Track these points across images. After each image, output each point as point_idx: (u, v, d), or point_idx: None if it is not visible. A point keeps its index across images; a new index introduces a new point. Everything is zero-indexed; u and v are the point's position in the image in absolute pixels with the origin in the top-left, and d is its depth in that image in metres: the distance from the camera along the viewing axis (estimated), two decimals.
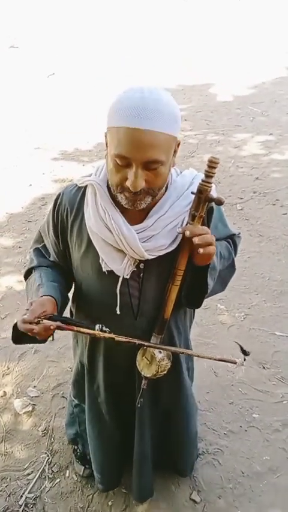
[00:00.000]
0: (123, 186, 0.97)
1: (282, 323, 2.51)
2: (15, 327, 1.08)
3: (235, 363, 1.08)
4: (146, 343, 1.11)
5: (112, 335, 1.06)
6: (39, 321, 1.00)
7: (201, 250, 0.98)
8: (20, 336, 1.11)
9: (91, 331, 1.05)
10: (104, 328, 1.06)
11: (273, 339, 2.41)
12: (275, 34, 8.02)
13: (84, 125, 5.02)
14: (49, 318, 1.03)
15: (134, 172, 0.93)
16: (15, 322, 1.08)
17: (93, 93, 5.80)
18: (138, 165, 0.93)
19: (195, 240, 0.97)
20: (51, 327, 1.00)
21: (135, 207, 1.01)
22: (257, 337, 2.43)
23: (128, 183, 0.95)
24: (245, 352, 1.08)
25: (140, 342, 1.10)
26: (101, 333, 1.05)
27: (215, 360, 1.10)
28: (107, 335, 1.05)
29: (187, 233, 0.97)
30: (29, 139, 4.80)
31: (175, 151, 1.03)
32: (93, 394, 1.39)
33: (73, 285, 1.29)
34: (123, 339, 1.07)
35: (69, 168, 4.21)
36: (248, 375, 2.21)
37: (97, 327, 1.06)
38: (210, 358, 1.12)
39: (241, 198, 3.65)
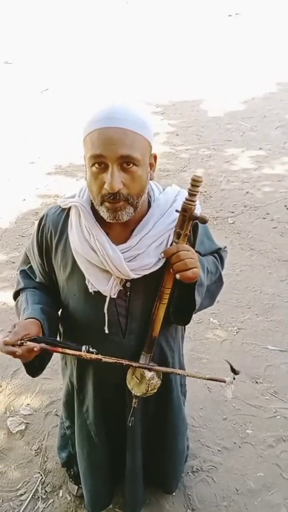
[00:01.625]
0: (103, 194, 0.99)
1: (274, 337, 2.53)
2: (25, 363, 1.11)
3: (224, 381, 1.07)
4: (134, 364, 1.12)
5: (99, 356, 1.06)
6: (22, 343, 0.99)
7: (178, 276, 1.01)
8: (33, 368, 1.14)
9: (77, 353, 1.05)
10: (90, 349, 1.06)
11: (266, 353, 2.43)
12: (265, 50, 8.20)
13: (77, 140, 5.02)
14: (33, 340, 1.01)
15: (110, 172, 0.96)
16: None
17: (87, 108, 5.87)
18: (114, 162, 0.96)
19: (173, 268, 1.00)
20: (35, 349, 1.00)
21: (118, 219, 1.01)
22: (249, 351, 2.44)
23: (105, 186, 0.97)
24: (234, 371, 1.08)
25: (128, 363, 1.10)
26: (87, 354, 1.05)
27: (204, 379, 1.11)
28: (93, 356, 1.05)
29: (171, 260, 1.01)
30: (22, 154, 4.83)
31: (152, 165, 1.06)
32: (83, 416, 1.39)
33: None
34: (110, 360, 1.07)
35: (63, 183, 4.24)
36: (241, 390, 2.21)
37: (84, 348, 1.06)
38: (199, 378, 1.12)
39: (232, 212, 3.70)
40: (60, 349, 1.03)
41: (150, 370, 1.14)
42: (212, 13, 11.12)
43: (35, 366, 1.15)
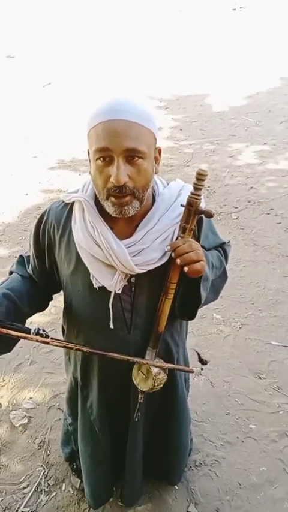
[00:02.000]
0: (108, 188, 0.97)
1: (277, 332, 2.52)
2: None
3: (192, 372, 1.06)
4: (138, 359, 1.10)
5: (48, 339, 1.02)
6: None
7: (186, 269, 1.00)
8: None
9: (23, 334, 1.01)
10: (40, 331, 1.03)
11: (269, 348, 2.42)
12: (270, 44, 8.14)
13: (80, 134, 5.04)
14: None
15: (116, 165, 0.94)
16: None
17: (89, 103, 5.84)
18: (119, 156, 0.94)
19: (178, 261, 0.99)
20: None
21: (124, 214, 1.00)
22: (253, 346, 2.43)
23: (111, 179, 0.95)
24: (202, 361, 1.06)
25: (132, 358, 1.08)
26: (34, 336, 1.01)
27: (168, 368, 1.11)
28: (40, 339, 1.01)
29: (173, 255, 1.00)
30: (25, 149, 4.81)
31: (157, 159, 1.05)
32: (87, 412, 1.38)
33: (63, 301, 1.28)
34: (72, 346, 1.05)
35: (66, 178, 4.23)
36: (244, 385, 2.21)
37: (33, 329, 1.03)
38: (164, 367, 1.13)
39: (236, 207, 3.68)
40: (4, 331, 0.99)
41: (152, 365, 1.13)
42: (216, 7, 11.03)
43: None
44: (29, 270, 1.27)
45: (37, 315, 1.32)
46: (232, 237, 3.31)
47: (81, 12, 10.88)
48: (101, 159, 0.96)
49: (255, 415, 2.07)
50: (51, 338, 1.03)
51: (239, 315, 2.64)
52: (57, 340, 1.05)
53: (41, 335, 1.02)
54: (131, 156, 0.95)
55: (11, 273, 1.30)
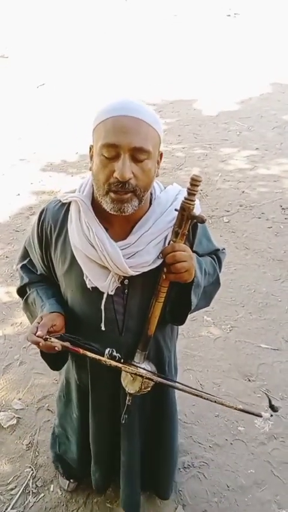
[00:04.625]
0: (110, 182, 0.97)
1: (267, 335, 2.54)
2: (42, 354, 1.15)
3: (260, 416, 0.97)
4: (156, 378, 1.07)
5: (119, 364, 1.02)
6: (47, 338, 1.02)
7: (171, 277, 1.02)
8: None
9: (97, 357, 1.02)
10: (114, 353, 1.05)
11: (259, 351, 2.44)
12: (263, 50, 8.22)
13: (73, 135, 5.04)
14: (60, 337, 1.04)
15: (122, 161, 0.95)
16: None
17: (83, 104, 5.84)
18: (126, 152, 0.95)
19: (164, 269, 1.01)
20: (56, 348, 1.03)
21: (122, 211, 1.00)
22: (242, 349, 2.45)
23: (115, 174, 0.95)
24: (273, 408, 0.99)
25: (150, 377, 1.05)
26: (107, 360, 1.02)
27: (236, 409, 1.00)
28: (113, 363, 1.02)
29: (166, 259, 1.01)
30: (17, 149, 4.79)
31: (158, 163, 1.05)
32: (82, 411, 1.38)
33: None
34: (130, 369, 1.04)
35: (58, 179, 4.22)
36: (233, 388, 2.22)
37: (107, 351, 1.05)
38: (231, 407, 1.01)
39: (228, 211, 3.71)
40: (81, 351, 1.02)
41: (173, 387, 1.08)
42: (211, 13, 11.12)
43: (57, 358, 1.18)
44: (39, 272, 1.27)
45: None
46: (223, 240, 3.33)
47: (76, 14, 10.89)
48: (107, 153, 0.96)
49: (244, 418, 2.08)
50: (123, 363, 1.04)
51: (229, 317, 2.66)
52: (129, 366, 1.04)
53: (114, 357, 1.04)
54: (137, 154, 0.96)
55: (24, 287, 1.29)
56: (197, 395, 0.99)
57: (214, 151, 4.72)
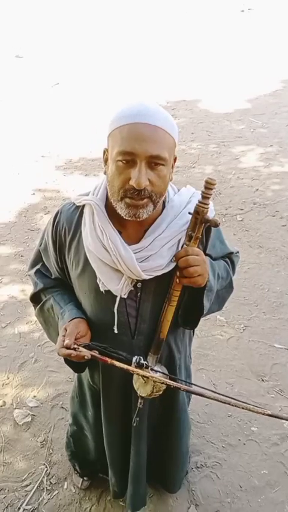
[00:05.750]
0: (126, 189, 0.97)
1: (281, 335, 2.52)
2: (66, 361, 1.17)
3: None
4: (188, 388, 1.05)
5: (147, 374, 1.01)
6: (75, 348, 1.03)
7: (184, 281, 1.02)
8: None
9: (125, 366, 1.01)
10: (141, 361, 1.05)
11: (272, 351, 2.42)
12: (277, 46, 8.11)
13: (87, 135, 5.07)
14: (87, 346, 1.05)
15: (138, 169, 0.94)
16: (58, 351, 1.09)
17: (97, 104, 5.86)
18: (142, 160, 0.94)
19: (177, 273, 1.01)
20: (85, 357, 1.03)
21: (137, 216, 1.00)
22: (256, 349, 2.44)
23: (131, 182, 0.95)
24: None
25: (177, 385, 1.02)
26: (134, 369, 1.02)
27: (265, 415, 0.94)
28: (141, 373, 1.01)
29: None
30: (32, 148, 4.84)
31: (172, 167, 1.05)
32: (95, 411, 1.39)
33: None
34: (158, 379, 1.02)
35: (72, 178, 4.25)
36: (246, 388, 2.21)
37: (134, 359, 1.05)
38: (259, 413, 0.95)
39: (241, 209, 3.68)
40: (108, 361, 1.01)
41: (203, 396, 1.01)
42: (224, 8, 11.01)
43: (81, 363, 1.19)
44: (53, 276, 1.27)
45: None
46: (237, 238, 3.31)
47: (89, 13, 10.91)
48: (123, 161, 0.96)
49: (257, 418, 2.07)
50: (151, 373, 1.03)
51: (242, 317, 2.65)
52: (158, 377, 1.03)
53: (141, 365, 1.04)
54: (154, 161, 0.96)
55: (38, 293, 1.29)
56: (225, 402, 0.95)
57: (228, 148, 4.69)
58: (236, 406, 0.95)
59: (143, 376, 1.06)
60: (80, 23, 10.03)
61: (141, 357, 1.06)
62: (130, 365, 1.04)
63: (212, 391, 0.97)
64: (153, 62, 7.56)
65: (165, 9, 11.14)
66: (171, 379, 1.11)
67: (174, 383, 1.00)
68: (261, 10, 10.78)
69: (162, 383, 1.03)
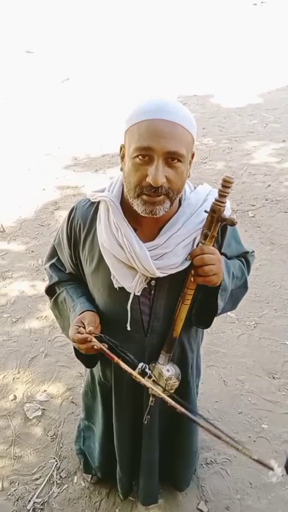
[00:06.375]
0: (142, 186, 0.96)
1: None
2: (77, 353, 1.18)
3: (272, 469, 0.84)
4: (177, 406, 0.95)
5: (147, 384, 1.00)
6: (87, 338, 1.04)
7: (199, 280, 1.01)
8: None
9: (129, 370, 0.99)
10: (146, 370, 1.05)
11: (284, 348, 2.40)
12: None
13: (97, 130, 5.06)
14: (100, 338, 1.05)
15: (155, 166, 0.93)
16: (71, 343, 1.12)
17: (107, 99, 5.85)
18: (160, 157, 0.93)
19: (192, 272, 1.01)
20: (95, 347, 1.05)
21: (153, 213, 0.99)
22: (267, 346, 2.41)
23: (148, 179, 0.94)
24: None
25: (178, 407, 0.95)
26: (137, 375, 1.01)
27: (251, 459, 0.85)
28: (142, 381, 1.00)
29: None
30: (42, 144, 4.85)
31: (190, 163, 1.03)
32: (106, 409, 1.40)
33: None
34: (157, 392, 1.00)
35: (82, 174, 4.25)
36: (257, 385, 2.20)
37: (140, 365, 1.06)
38: (246, 455, 0.87)
39: (253, 205, 3.64)
40: (115, 359, 1.01)
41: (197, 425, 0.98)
42: (237, 2, 10.87)
43: (92, 355, 1.20)
44: (68, 271, 1.28)
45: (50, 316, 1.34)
46: (248, 235, 3.28)
47: (100, 8, 10.87)
48: (140, 157, 0.95)
49: (268, 415, 2.06)
50: (151, 385, 1.02)
51: (253, 314, 2.62)
52: (159, 391, 1.01)
53: (145, 373, 1.05)
54: (171, 158, 0.94)
55: (53, 286, 1.30)
56: (216, 436, 0.88)
57: (239, 144, 4.64)
58: (227, 443, 0.89)
59: (145, 386, 1.03)
60: (90, 18, 10.00)
61: (147, 365, 1.07)
62: (135, 369, 1.04)
63: (207, 420, 0.95)
64: (165, 56, 7.51)
65: (177, 3, 11.05)
66: (174, 397, 1.01)
67: (169, 399, 0.94)
68: (274, 3, 10.63)
69: (159, 396, 1.01)
